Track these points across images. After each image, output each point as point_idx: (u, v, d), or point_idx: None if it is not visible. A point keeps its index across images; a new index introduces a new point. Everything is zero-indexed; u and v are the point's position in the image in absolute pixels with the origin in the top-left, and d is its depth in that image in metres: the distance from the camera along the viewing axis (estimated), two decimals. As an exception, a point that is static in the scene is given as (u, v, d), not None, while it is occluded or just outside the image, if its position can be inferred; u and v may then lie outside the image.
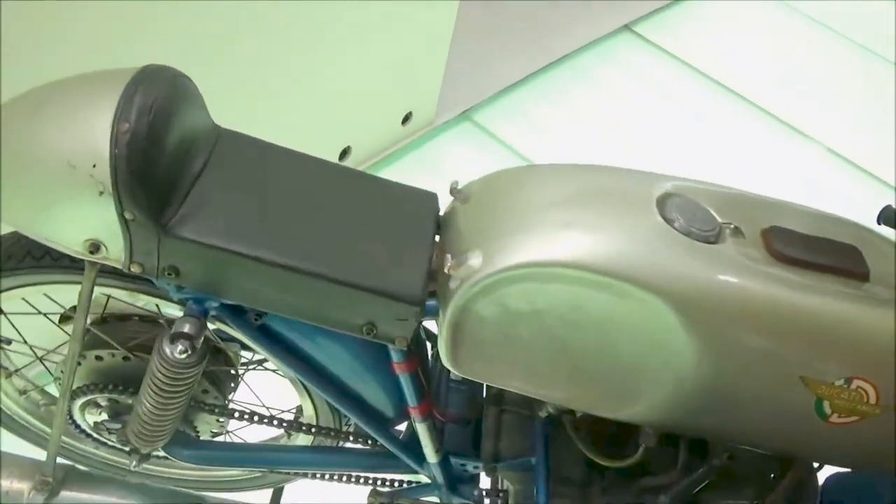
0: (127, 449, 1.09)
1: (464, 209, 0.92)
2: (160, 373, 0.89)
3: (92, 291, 0.88)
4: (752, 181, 2.61)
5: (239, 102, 1.52)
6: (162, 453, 1.11)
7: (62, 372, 1.10)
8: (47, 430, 1.26)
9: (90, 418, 1.13)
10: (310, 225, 0.86)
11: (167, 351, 0.87)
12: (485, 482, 1.15)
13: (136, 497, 1.08)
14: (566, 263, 0.79)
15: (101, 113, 0.76)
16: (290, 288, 0.84)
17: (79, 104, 0.78)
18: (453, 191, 0.95)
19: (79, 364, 1.07)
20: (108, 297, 1.03)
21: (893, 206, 0.93)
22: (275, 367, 1.10)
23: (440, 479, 1.07)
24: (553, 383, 0.86)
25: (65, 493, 1.04)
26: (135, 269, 0.83)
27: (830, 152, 2.88)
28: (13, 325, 1.11)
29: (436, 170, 2.41)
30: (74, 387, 1.07)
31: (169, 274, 0.83)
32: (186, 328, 0.85)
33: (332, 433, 1.13)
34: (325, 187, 0.92)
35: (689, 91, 3.04)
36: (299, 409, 1.20)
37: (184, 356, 0.86)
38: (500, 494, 1.14)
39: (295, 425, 1.09)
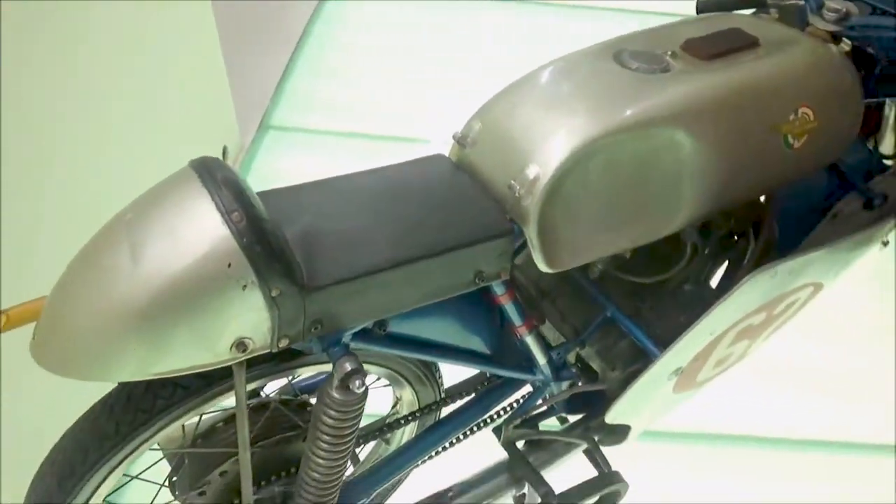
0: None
1: (478, 149, 1.04)
2: (335, 420, 0.93)
3: (246, 390, 0.88)
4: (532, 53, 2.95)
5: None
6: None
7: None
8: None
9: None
10: (387, 222, 0.93)
11: (340, 396, 0.91)
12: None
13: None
14: (599, 135, 0.96)
15: (202, 216, 0.76)
16: (411, 280, 0.91)
17: (171, 225, 0.76)
18: (459, 139, 1.06)
19: (202, 494, 1.05)
20: (200, 415, 1.01)
21: None
22: (374, 379, 1.15)
23: (548, 375, 1.22)
24: (627, 231, 1.04)
25: None
26: (282, 345, 0.85)
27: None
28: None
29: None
30: None
31: (314, 328, 0.86)
32: (349, 366, 0.89)
33: (436, 405, 1.23)
34: (363, 190, 0.98)
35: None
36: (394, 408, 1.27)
37: (362, 389, 0.90)
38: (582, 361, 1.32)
39: (425, 410, 1.18)
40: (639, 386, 1.13)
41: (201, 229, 0.76)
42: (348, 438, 0.96)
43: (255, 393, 1.12)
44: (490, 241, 0.95)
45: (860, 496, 1.79)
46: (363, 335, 0.96)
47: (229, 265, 0.76)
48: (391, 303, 0.93)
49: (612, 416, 1.20)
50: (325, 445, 0.95)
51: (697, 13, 1.26)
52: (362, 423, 1.01)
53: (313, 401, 1.18)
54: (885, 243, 1.42)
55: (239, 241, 0.76)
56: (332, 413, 0.92)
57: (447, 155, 1.08)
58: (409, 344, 1.03)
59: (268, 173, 2.45)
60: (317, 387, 1.20)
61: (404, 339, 1.03)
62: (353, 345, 0.95)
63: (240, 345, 0.82)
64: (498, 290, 1.05)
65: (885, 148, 1.37)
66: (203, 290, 0.76)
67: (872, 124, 1.37)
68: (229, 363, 0.83)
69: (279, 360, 0.95)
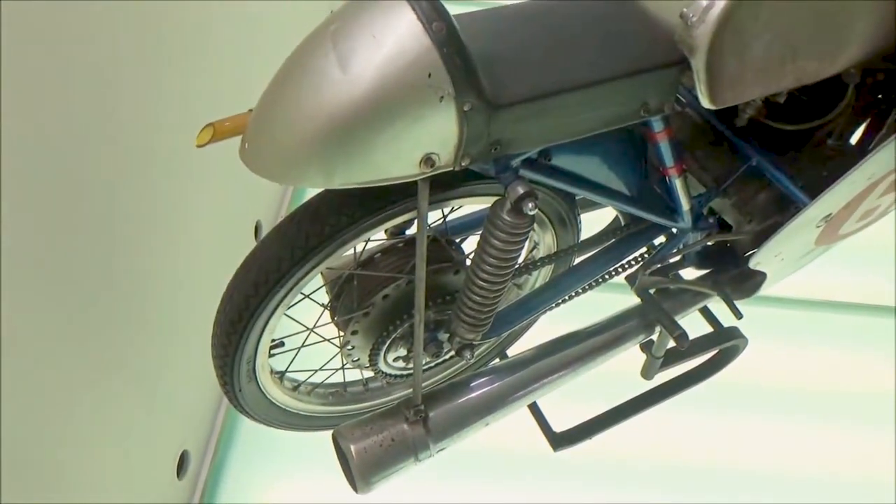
0: (452, 354, 1.18)
1: None
2: (503, 243, 0.97)
3: (427, 209, 0.93)
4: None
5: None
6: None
7: (348, 356, 1.17)
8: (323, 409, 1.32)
9: (391, 357, 1.20)
10: (561, 48, 0.94)
11: (511, 218, 0.95)
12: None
13: (494, 378, 1.18)
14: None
15: (405, 26, 0.79)
16: (584, 106, 0.93)
17: (375, 35, 0.79)
18: None
19: (366, 314, 1.13)
20: (367, 241, 1.08)
21: None
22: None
23: (688, 222, 1.24)
24: (794, 68, 1.02)
25: (437, 413, 1.12)
26: (464, 163, 0.89)
27: None
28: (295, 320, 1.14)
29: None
30: (379, 341, 1.14)
31: (494, 149, 0.89)
32: (521, 189, 0.93)
33: (573, 249, 1.26)
34: (536, 18, 0.99)
35: None
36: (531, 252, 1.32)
37: (534, 211, 0.94)
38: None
39: (563, 253, 1.22)
40: (789, 229, 1.14)
41: (404, 39, 0.78)
42: (513, 262, 1.01)
43: (403, 231, 1.18)
44: (661, 70, 0.95)
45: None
46: (529, 164, 1.00)
47: (429, 75, 0.79)
48: (563, 128, 0.95)
49: (756, 261, 1.21)
50: (489, 269, 1.01)
51: None
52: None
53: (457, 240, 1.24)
54: None
55: (440, 51, 0.79)
56: (502, 235, 0.97)
57: None
58: (568, 177, 1.06)
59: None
60: (464, 228, 1.26)
61: (564, 172, 1.05)
62: (520, 172, 0.98)
63: (427, 160, 0.86)
64: (657, 126, 1.05)
65: None
66: (403, 98, 0.80)
67: None
68: (416, 178, 0.88)
69: (448, 187, 1.00)
